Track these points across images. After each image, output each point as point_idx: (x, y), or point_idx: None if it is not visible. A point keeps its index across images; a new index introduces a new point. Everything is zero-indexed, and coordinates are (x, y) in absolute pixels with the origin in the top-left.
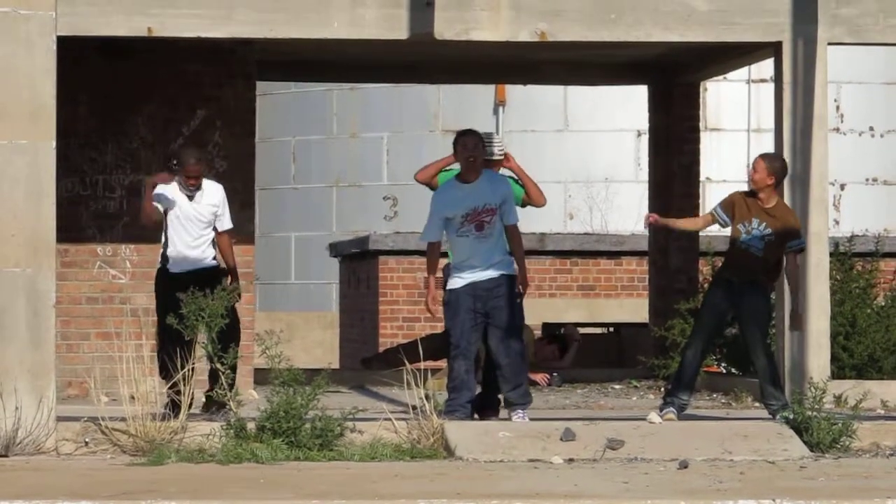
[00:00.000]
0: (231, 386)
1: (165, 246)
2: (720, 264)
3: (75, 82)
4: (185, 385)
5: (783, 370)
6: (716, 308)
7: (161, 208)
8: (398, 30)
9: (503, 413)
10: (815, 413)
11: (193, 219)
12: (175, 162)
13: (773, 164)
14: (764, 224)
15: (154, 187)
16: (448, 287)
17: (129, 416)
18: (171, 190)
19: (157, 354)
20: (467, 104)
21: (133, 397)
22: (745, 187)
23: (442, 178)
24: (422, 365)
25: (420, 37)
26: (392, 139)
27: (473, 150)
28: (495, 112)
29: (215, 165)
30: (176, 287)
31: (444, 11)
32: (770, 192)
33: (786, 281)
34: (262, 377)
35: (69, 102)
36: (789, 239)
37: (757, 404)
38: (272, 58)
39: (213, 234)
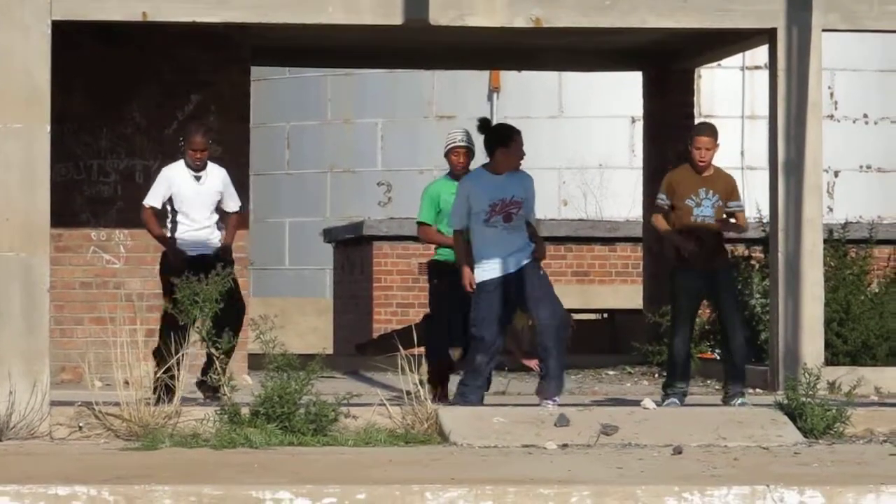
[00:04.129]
0: (224, 371)
1: (173, 230)
2: (677, 249)
3: (70, 67)
4: (178, 370)
5: (777, 356)
6: (691, 291)
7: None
8: (393, 15)
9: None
10: (809, 399)
11: (198, 201)
12: (182, 139)
13: (716, 134)
14: (711, 191)
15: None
16: (479, 278)
17: (123, 400)
18: (177, 170)
19: (161, 338)
20: (462, 90)
21: (127, 382)
22: (738, 174)
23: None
24: (416, 350)
25: (415, 22)
26: (386, 125)
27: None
28: (489, 98)
29: (210, 150)
30: (183, 269)
31: None
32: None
33: (780, 269)
34: (256, 362)
35: (64, 87)
36: (732, 199)
37: (751, 390)
38: (267, 43)
39: (216, 217)
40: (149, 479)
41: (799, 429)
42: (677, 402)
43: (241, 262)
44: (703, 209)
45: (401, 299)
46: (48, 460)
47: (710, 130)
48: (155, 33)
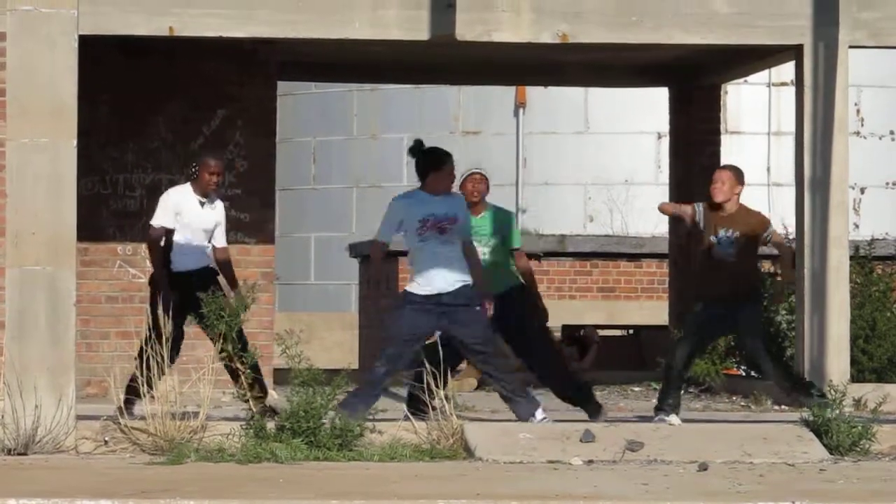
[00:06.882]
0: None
1: (168, 250)
2: (702, 282)
3: (96, 81)
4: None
5: (803, 373)
6: (709, 327)
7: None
8: (419, 31)
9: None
10: (834, 416)
11: (200, 226)
12: (195, 165)
13: (739, 175)
14: (731, 230)
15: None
16: (408, 289)
17: (149, 414)
18: (184, 194)
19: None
20: (487, 106)
21: (152, 396)
22: (764, 191)
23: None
24: (441, 366)
25: (441, 38)
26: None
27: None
28: (515, 114)
29: (236, 165)
30: (177, 285)
31: (465, 13)
32: (735, 201)
33: (806, 286)
34: (281, 377)
35: (90, 101)
36: (757, 241)
37: (776, 407)
38: (293, 58)
39: (209, 246)
40: (174, 494)
41: (825, 445)
42: (676, 417)
43: (266, 276)
44: (722, 247)
45: None
46: (74, 474)
47: (733, 168)
48: (181, 47)
